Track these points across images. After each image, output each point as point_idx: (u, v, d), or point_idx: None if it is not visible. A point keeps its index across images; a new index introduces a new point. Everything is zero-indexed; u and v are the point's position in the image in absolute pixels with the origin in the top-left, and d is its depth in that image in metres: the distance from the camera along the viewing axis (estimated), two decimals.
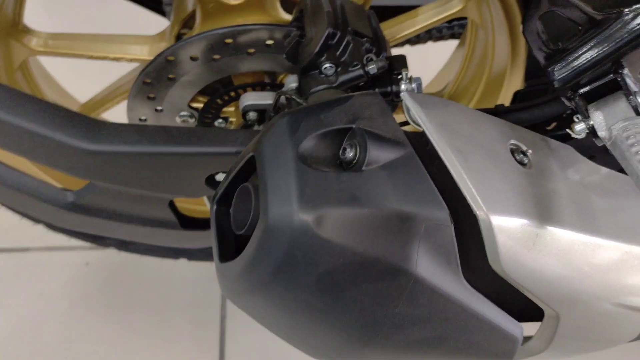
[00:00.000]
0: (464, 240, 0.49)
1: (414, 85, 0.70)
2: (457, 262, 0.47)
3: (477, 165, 0.49)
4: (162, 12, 1.03)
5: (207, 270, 1.29)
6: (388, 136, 0.47)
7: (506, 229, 0.48)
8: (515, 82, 0.85)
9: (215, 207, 0.54)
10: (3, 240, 1.31)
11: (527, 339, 0.58)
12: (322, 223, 0.44)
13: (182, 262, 1.26)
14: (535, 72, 0.77)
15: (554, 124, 0.77)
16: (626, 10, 0.51)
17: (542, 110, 0.72)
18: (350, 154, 0.47)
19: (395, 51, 0.81)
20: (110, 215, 0.75)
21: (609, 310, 0.56)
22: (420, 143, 0.51)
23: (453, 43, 1.08)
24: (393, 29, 0.85)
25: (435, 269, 0.46)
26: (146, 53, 0.85)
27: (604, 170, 0.62)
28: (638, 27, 0.52)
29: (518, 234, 0.48)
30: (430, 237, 0.46)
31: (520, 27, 0.79)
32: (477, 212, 0.47)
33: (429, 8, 0.84)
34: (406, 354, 0.50)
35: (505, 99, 0.87)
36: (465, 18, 0.95)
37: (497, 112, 0.72)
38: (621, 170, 0.70)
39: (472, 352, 0.52)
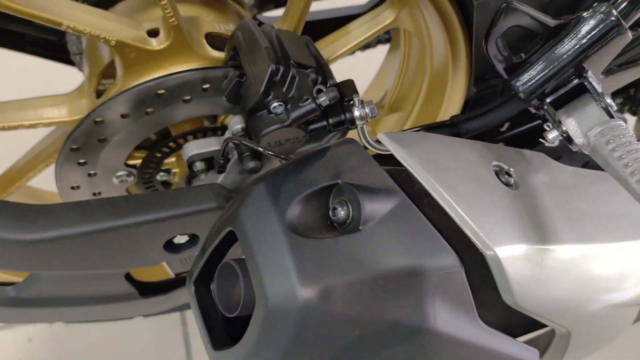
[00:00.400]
0: (469, 279, 0.46)
1: (367, 110, 0.67)
2: (472, 306, 0.45)
3: (470, 198, 0.46)
4: (71, 62, 0.94)
5: (165, 323, 1.21)
6: (378, 187, 0.44)
7: (513, 258, 0.46)
8: (459, 84, 0.83)
9: (193, 288, 0.49)
10: None
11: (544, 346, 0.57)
12: (328, 296, 0.40)
13: (136, 320, 1.18)
14: (482, 77, 0.76)
15: (507, 125, 0.77)
16: (585, 14, 0.50)
17: (496, 114, 0.71)
18: (341, 212, 0.43)
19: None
20: (60, 302, 0.67)
21: (612, 313, 0.56)
22: (405, 181, 0.48)
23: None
24: (327, 49, 0.81)
25: (454, 319, 0.43)
26: (65, 114, 0.76)
27: (570, 169, 0.62)
28: (597, 29, 0.51)
29: (525, 261, 0.46)
30: (443, 287, 0.43)
31: (458, 28, 0.78)
32: (485, 251, 0.44)
33: (360, 23, 0.81)
34: None
35: (450, 102, 0.86)
36: None
37: (454, 123, 0.70)
38: (584, 165, 0.70)
39: None
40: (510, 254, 0.45)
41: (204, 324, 0.47)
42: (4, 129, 0.75)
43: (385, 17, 0.81)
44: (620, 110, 0.83)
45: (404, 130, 0.63)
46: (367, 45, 1.05)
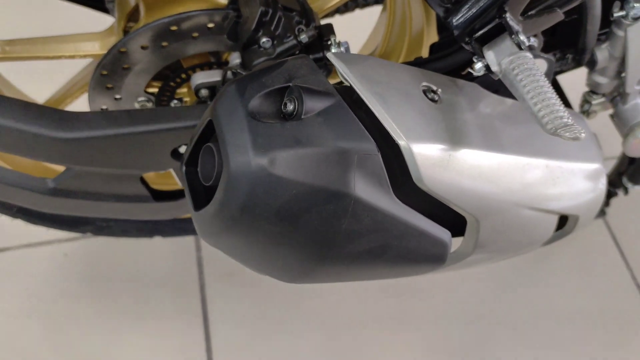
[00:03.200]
0: (393, 168, 0.60)
1: (342, 49, 0.81)
2: (387, 183, 0.58)
3: (395, 104, 0.60)
4: (105, 10, 1.10)
5: (180, 247, 1.38)
6: (319, 89, 0.58)
7: (424, 153, 0.59)
8: (432, 37, 0.96)
9: (184, 168, 0.64)
10: None
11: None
12: (274, 164, 0.55)
13: (155, 242, 1.35)
14: (444, 25, 0.88)
15: (467, 70, 0.89)
16: None
17: (454, 58, 0.84)
18: (290, 107, 0.57)
19: (327, 21, 0.91)
20: (88, 195, 0.84)
21: (519, 214, 0.69)
22: (348, 94, 0.62)
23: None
24: (321, 1, 0.95)
25: (370, 190, 0.57)
26: (98, 48, 0.93)
27: (508, 100, 0.74)
28: None
29: (434, 156, 0.60)
30: (363, 165, 0.57)
31: None
32: (399, 142, 0.58)
33: None
34: (357, 265, 0.61)
35: (426, 53, 0.98)
36: None
37: (417, 63, 0.83)
38: None
39: (411, 257, 0.64)
40: (420, 147, 0.59)
41: (190, 193, 0.62)
42: (47, 58, 0.92)
43: None
44: (573, 60, 0.93)
45: None
46: (365, 4, 1.18)
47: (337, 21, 1.10)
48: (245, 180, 0.55)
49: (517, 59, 0.63)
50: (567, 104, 0.96)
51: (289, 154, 0.55)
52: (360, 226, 0.58)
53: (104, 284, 1.35)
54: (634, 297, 1.37)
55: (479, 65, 0.68)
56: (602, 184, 0.80)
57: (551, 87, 0.61)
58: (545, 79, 0.62)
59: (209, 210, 0.59)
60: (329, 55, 0.62)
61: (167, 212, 0.94)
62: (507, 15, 0.65)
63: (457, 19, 0.67)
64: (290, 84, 0.58)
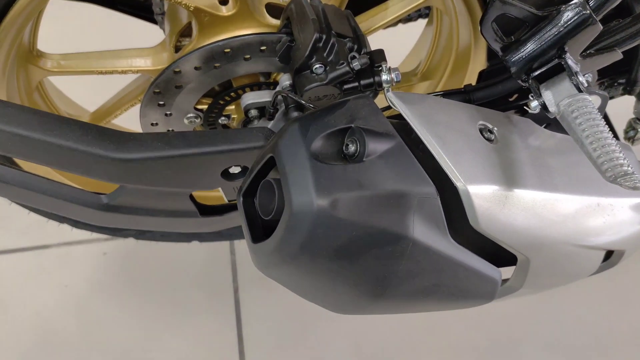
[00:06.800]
0: (449, 207, 0.61)
1: (393, 75, 0.81)
2: (444, 225, 0.59)
3: (453, 146, 0.61)
4: (153, 21, 1.12)
5: (216, 250, 1.40)
6: (381, 131, 0.59)
7: (480, 195, 0.60)
8: (479, 59, 0.96)
9: (241, 199, 0.65)
10: (24, 240, 1.41)
11: (505, 280, 0.72)
12: (336, 206, 0.56)
13: (192, 245, 1.38)
14: (495, 53, 0.88)
15: (515, 95, 0.89)
16: (563, 6, 0.63)
17: (504, 85, 0.84)
18: (352, 148, 0.58)
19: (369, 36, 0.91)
20: (139, 211, 0.86)
21: (568, 251, 0.69)
22: (405, 131, 0.62)
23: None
24: (368, 22, 0.95)
25: (428, 233, 0.58)
26: (150, 64, 0.94)
27: (559, 135, 0.74)
28: (573, 19, 0.63)
29: (490, 198, 0.61)
30: (421, 208, 0.58)
31: (478, 10, 0.90)
32: (457, 184, 0.59)
33: (397, 1, 0.95)
34: (410, 301, 0.63)
35: (472, 73, 0.99)
36: None
37: (467, 91, 0.83)
38: None
39: (462, 294, 0.65)
40: (477, 189, 0.59)
41: (247, 224, 0.64)
42: (101, 73, 0.94)
43: None
44: (624, 89, 0.93)
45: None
46: (409, 19, 1.18)
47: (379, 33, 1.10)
48: (306, 220, 0.56)
49: (577, 101, 0.63)
50: (612, 129, 0.96)
51: (351, 196, 0.56)
52: (416, 267, 0.59)
53: (141, 283, 1.38)
54: None
55: (534, 104, 0.68)
56: None
57: (610, 133, 0.61)
58: (604, 123, 0.62)
59: (268, 245, 0.60)
60: (388, 95, 0.63)
61: (212, 226, 0.96)
62: (567, 55, 0.65)
63: (515, 57, 0.67)
64: (352, 125, 0.59)
